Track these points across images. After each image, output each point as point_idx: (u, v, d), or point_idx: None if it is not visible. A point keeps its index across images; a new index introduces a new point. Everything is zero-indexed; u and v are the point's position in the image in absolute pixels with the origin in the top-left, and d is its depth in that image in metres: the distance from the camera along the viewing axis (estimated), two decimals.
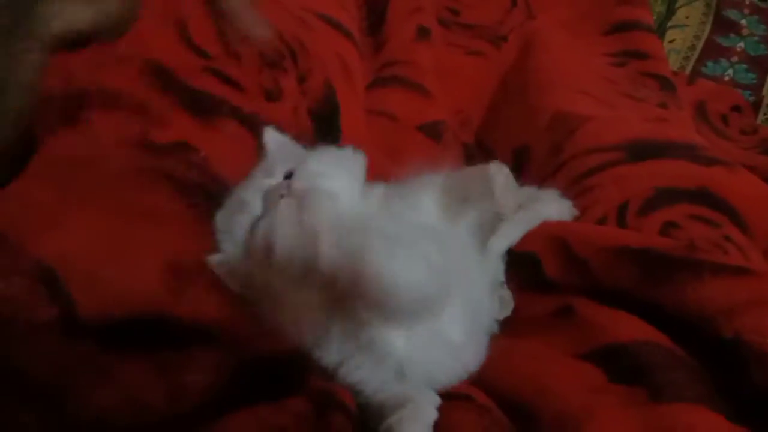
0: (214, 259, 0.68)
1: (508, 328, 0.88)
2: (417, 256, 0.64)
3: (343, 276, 0.61)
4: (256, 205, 0.70)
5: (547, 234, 0.90)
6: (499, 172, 0.85)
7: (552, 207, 0.97)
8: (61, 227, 0.67)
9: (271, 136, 0.78)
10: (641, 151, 1.04)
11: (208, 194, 0.73)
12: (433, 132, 1.24)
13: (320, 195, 0.67)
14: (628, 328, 0.79)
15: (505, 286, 0.94)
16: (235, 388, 0.62)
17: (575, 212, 1.00)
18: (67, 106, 0.76)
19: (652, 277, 0.80)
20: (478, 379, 0.78)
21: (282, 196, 0.67)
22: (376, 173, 1.10)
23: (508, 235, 0.93)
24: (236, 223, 0.70)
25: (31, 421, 0.56)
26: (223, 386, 0.62)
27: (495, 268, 0.94)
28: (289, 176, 0.71)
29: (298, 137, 0.94)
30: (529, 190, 1.06)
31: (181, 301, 0.64)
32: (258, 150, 0.81)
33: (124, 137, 0.72)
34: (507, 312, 0.92)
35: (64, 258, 0.64)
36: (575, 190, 1.02)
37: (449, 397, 0.73)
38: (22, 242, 0.64)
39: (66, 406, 0.57)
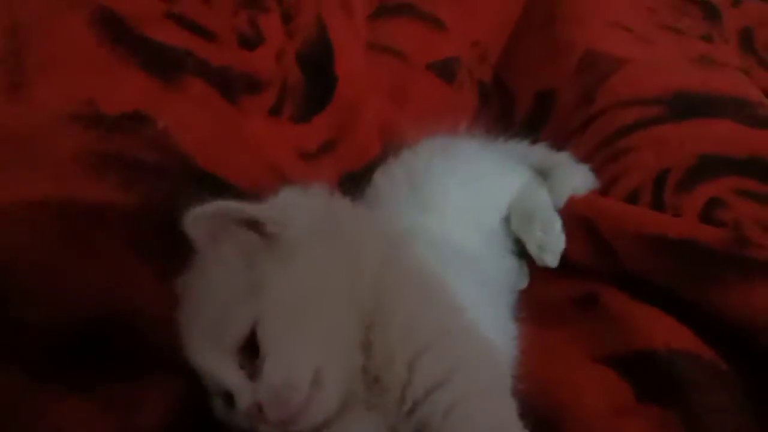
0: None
1: (528, 312, 0.78)
2: None
3: None
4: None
5: (573, 212, 0.79)
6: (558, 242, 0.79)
7: (576, 177, 0.85)
8: None
9: (193, 223, 0.54)
10: (685, 106, 0.90)
11: (167, 176, 0.61)
12: (445, 71, 1.10)
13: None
14: (663, 332, 0.68)
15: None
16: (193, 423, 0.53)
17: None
18: (10, 66, 0.63)
19: (692, 275, 0.69)
20: None
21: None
22: (378, 122, 0.98)
23: None
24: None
25: None
26: (179, 423, 0.52)
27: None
28: (247, 347, 0.51)
29: (287, 90, 0.81)
30: (542, 151, 0.93)
31: (139, 316, 0.54)
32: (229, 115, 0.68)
33: (68, 109, 0.60)
34: (524, 283, 0.85)
35: None
36: (607, 152, 0.89)
37: None
38: None
39: None
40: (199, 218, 0.54)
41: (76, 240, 0.56)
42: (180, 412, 0.54)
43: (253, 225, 0.55)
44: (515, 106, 1.13)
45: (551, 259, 0.78)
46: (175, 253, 0.57)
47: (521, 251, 0.86)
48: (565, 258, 0.79)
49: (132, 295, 0.56)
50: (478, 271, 0.72)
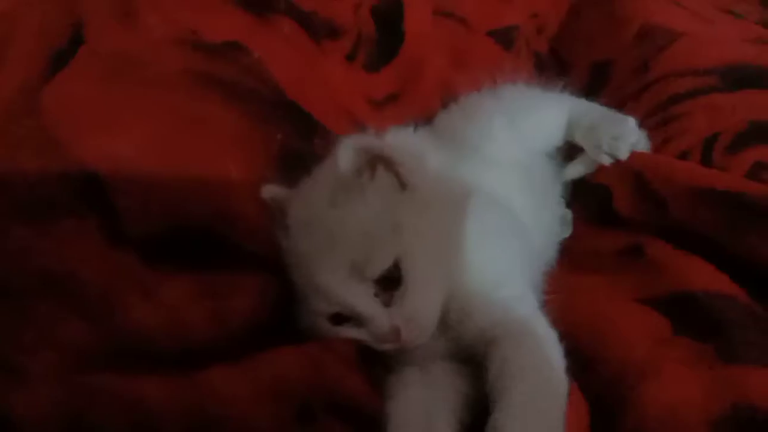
0: (269, 190, 0.63)
1: (571, 261, 0.83)
2: None
3: None
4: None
5: (623, 165, 0.83)
6: (633, 134, 0.84)
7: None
8: (107, 129, 0.62)
9: (347, 152, 0.58)
10: (738, 77, 0.93)
11: (261, 99, 0.68)
12: (504, 38, 1.14)
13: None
14: (701, 277, 0.72)
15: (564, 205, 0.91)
16: (275, 319, 0.60)
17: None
18: None
19: (737, 226, 0.73)
20: None
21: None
22: (438, 81, 1.03)
23: (587, 165, 0.87)
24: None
25: (82, 330, 0.54)
26: (264, 316, 0.59)
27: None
28: (385, 279, 0.57)
29: (361, 40, 0.87)
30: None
31: (234, 220, 0.61)
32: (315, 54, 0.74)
33: (174, 35, 0.66)
34: (567, 233, 0.89)
35: (110, 163, 0.60)
36: (660, 117, 0.93)
37: None
38: (66, 142, 0.61)
39: (112, 319, 0.55)
40: (354, 149, 0.58)
41: (179, 149, 0.63)
42: (266, 307, 0.60)
43: (389, 164, 0.60)
44: (571, 76, 1.17)
45: (624, 149, 0.82)
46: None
47: (567, 200, 0.91)
48: (612, 210, 0.84)
49: (231, 201, 0.62)
50: (521, 224, 0.76)
